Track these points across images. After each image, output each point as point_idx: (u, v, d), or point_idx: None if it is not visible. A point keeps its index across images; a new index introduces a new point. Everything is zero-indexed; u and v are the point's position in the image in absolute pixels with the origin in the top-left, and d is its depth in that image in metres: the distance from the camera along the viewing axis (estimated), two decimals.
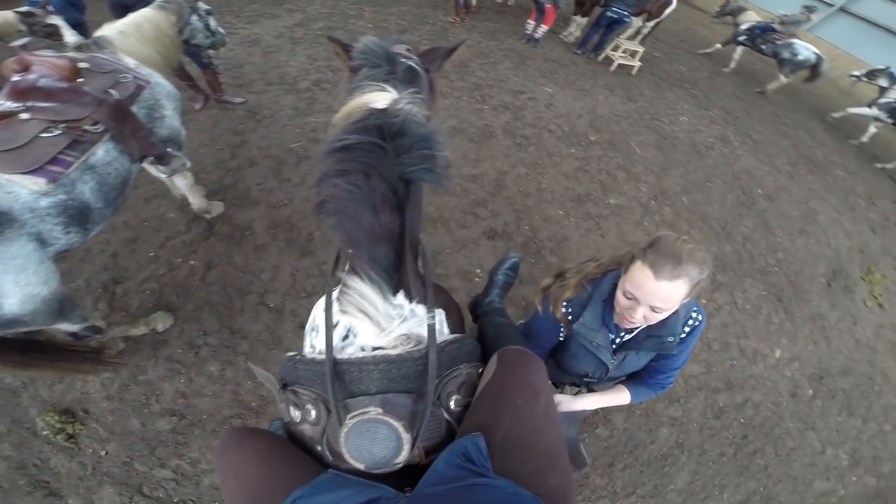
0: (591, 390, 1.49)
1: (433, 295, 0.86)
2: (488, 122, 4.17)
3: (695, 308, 1.24)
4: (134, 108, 1.80)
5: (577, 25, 6.47)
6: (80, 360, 1.78)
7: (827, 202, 5.11)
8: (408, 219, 0.83)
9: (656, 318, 1.09)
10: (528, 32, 5.89)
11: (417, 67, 1.06)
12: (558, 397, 1.29)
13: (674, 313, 1.13)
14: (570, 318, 1.28)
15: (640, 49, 6.00)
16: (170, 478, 1.95)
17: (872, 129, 6.84)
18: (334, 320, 0.83)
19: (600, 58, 6.14)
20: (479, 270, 2.96)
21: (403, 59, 1.02)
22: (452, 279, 2.88)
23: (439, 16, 5.97)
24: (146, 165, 2.13)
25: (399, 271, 0.82)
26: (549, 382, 0.92)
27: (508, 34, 6.01)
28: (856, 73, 7.03)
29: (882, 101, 6.57)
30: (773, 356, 3.24)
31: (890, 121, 6.58)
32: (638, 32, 6.61)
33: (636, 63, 5.99)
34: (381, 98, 0.85)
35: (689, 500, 2.47)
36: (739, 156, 5.20)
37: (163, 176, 2.28)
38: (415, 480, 0.69)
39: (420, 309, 0.84)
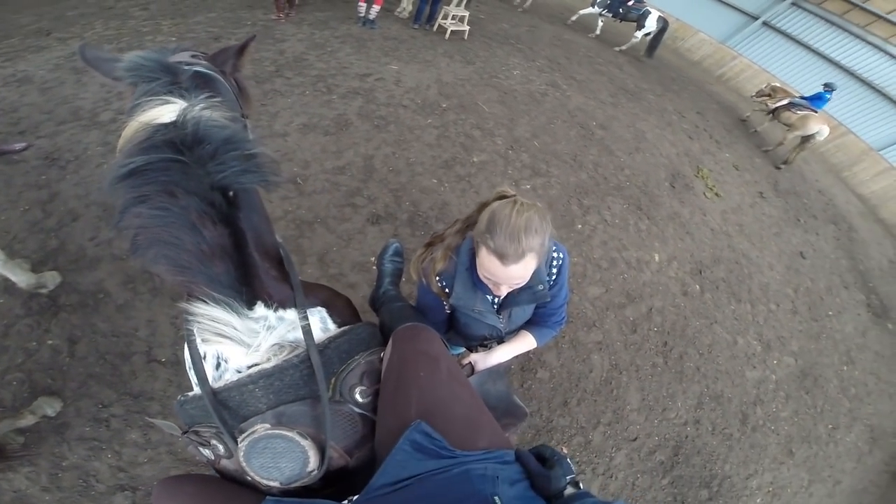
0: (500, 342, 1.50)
1: (303, 296, 0.85)
2: (340, 111, 4.07)
3: (553, 248, 1.22)
4: None
5: (409, 0, 6.57)
6: None
7: (649, 122, 6.12)
8: (246, 227, 0.80)
9: (521, 284, 1.12)
10: (361, 15, 5.78)
11: (209, 71, 0.99)
12: (473, 356, 1.31)
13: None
14: (446, 290, 1.26)
15: (467, 13, 6.33)
16: None
17: (601, 23, 8.52)
18: (201, 352, 0.80)
19: (435, 28, 6.35)
20: (373, 259, 2.95)
21: (187, 66, 0.93)
22: (349, 275, 2.84)
23: (259, 15, 5.45)
24: None
25: (249, 283, 0.79)
26: (447, 349, 0.95)
27: (342, 20, 5.82)
28: None
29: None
30: (654, 260, 3.81)
31: (609, 15, 8.24)
32: None
33: (466, 27, 6.35)
34: (165, 111, 0.78)
35: (651, 416, 2.66)
36: (570, 96, 5.91)
37: None
38: (355, 486, 0.69)
39: (290, 314, 0.82)
